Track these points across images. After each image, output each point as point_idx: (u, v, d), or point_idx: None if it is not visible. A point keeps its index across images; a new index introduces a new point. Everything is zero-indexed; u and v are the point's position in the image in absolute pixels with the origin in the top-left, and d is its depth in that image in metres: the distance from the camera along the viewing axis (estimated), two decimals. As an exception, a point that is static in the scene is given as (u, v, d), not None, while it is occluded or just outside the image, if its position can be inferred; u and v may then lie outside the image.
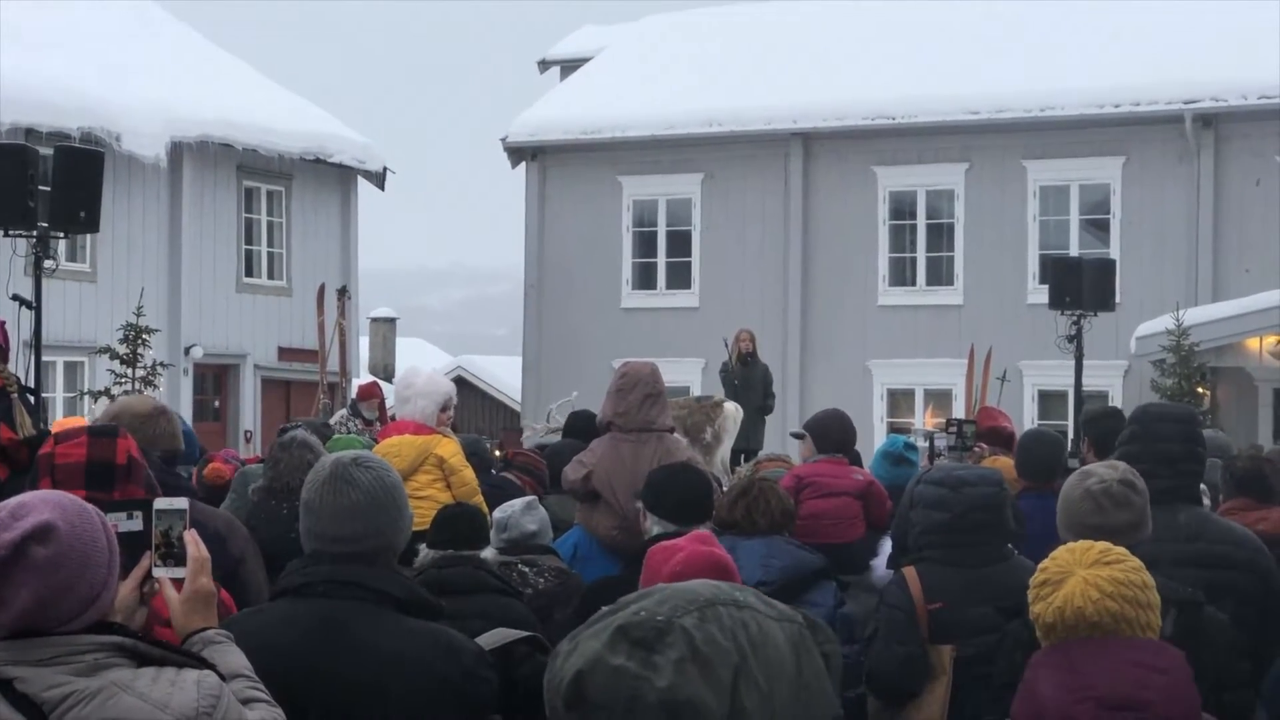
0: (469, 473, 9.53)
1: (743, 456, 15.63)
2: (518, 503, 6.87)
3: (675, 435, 8.20)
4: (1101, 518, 4.96)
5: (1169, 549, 5.34)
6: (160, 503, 3.65)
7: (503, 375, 40.03)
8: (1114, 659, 3.62)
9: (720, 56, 29.28)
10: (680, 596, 2.42)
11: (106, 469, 4.21)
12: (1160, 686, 3.57)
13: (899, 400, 27.05)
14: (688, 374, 26.80)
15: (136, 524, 3.59)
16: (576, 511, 7.90)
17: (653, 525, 5.86)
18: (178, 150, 26.82)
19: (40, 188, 13.81)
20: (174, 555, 3.59)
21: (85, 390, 23.01)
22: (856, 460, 9.29)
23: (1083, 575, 3.74)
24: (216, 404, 28.04)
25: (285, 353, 29.21)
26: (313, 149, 29.36)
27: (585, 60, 31.94)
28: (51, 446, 4.28)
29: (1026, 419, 23.58)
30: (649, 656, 2.32)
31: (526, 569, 6.54)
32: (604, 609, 2.46)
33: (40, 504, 3.25)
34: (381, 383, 19.15)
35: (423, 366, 11.28)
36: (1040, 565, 3.89)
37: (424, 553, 6.08)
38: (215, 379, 28.87)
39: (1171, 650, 3.70)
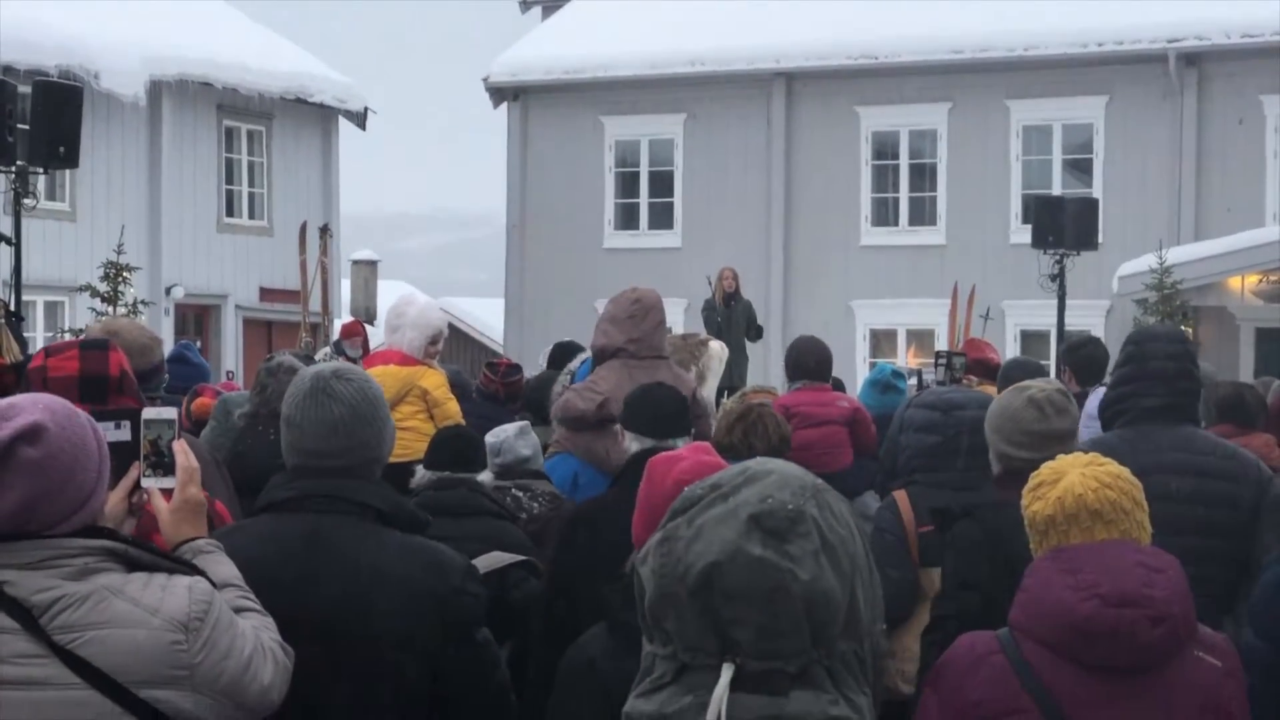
0: (453, 405, 9.48)
1: (726, 394, 15.60)
2: (510, 428, 6.83)
3: (677, 367, 8.14)
4: (1046, 424, 5.15)
5: (1148, 459, 5.33)
6: (149, 412, 3.61)
7: (485, 317, 39.99)
8: (1116, 559, 3.61)
9: (703, -4, 29.13)
10: (795, 481, 2.39)
11: (100, 382, 4.17)
12: (1161, 584, 3.58)
13: (881, 340, 27.05)
14: (671, 314, 26.29)
15: (124, 434, 3.55)
16: (565, 440, 7.72)
17: (631, 442, 5.82)
18: (156, 89, 26.65)
19: (19, 125, 13.71)
20: (163, 465, 3.55)
21: (66, 329, 22.91)
22: (839, 388, 9.27)
23: (1080, 471, 3.77)
24: (198, 344, 27.93)
25: (267, 293, 29.12)
26: (293, 89, 29.19)
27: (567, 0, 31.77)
28: (43, 360, 4.23)
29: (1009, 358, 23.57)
30: (782, 546, 2.30)
31: (520, 494, 6.51)
32: (699, 491, 2.42)
33: (30, 405, 3.22)
34: (364, 323, 19.07)
35: (418, 296, 11.15)
36: (1033, 474, 3.89)
37: (420, 473, 6.04)
38: (197, 319, 28.79)
39: (1166, 553, 3.70)
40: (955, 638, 3.79)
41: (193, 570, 3.34)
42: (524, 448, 6.72)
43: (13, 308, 8.43)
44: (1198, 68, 25.02)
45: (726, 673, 2.31)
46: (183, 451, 3.55)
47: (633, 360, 7.55)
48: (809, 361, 8.80)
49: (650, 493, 4.06)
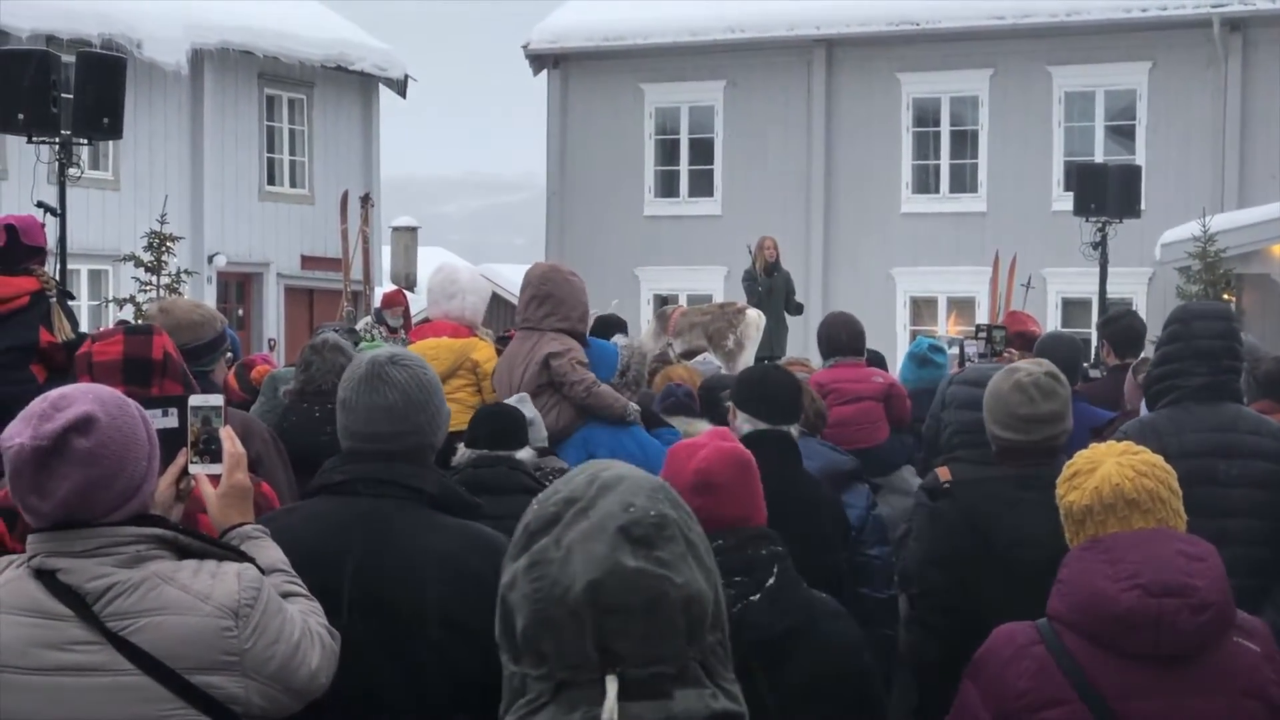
0: None
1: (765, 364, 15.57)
2: (509, 402, 6.76)
3: (558, 335, 7.96)
4: (1032, 408, 5.10)
5: (1195, 440, 5.33)
6: (195, 399, 3.65)
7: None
8: (1155, 548, 3.63)
9: (743, -39, 28.99)
10: (646, 483, 2.41)
11: (144, 365, 4.21)
12: (1201, 572, 3.59)
13: (922, 308, 26.99)
14: (710, 282, 26.76)
15: (172, 420, 3.59)
16: None
17: (744, 423, 5.81)
18: (198, 57, 26.72)
19: (63, 95, 13.74)
20: (210, 451, 3.59)
21: (110, 298, 23.03)
22: (878, 362, 9.24)
23: (1115, 460, 3.78)
24: (240, 312, 28.08)
25: (308, 261, 29.21)
26: (334, 56, 29.22)
27: (607, -34, 31.65)
28: (89, 345, 4.28)
29: (1050, 327, 23.47)
30: (653, 554, 2.31)
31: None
32: (553, 508, 2.40)
33: (80, 396, 3.26)
34: (405, 292, 19.11)
35: (458, 262, 11.12)
36: (1067, 464, 3.90)
37: (461, 451, 6.05)
38: (239, 287, 28.91)
39: (1203, 540, 3.71)
40: (936, 614, 3.76)
41: (241, 556, 3.39)
42: None
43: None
44: (1242, 33, 24.82)
45: (612, 685, 2.31)
46: (229, 437, 3.60)
47: (519, 333, 7.78)
48: (841, 337, 8.79)
49: (671, 482, 4.05)
